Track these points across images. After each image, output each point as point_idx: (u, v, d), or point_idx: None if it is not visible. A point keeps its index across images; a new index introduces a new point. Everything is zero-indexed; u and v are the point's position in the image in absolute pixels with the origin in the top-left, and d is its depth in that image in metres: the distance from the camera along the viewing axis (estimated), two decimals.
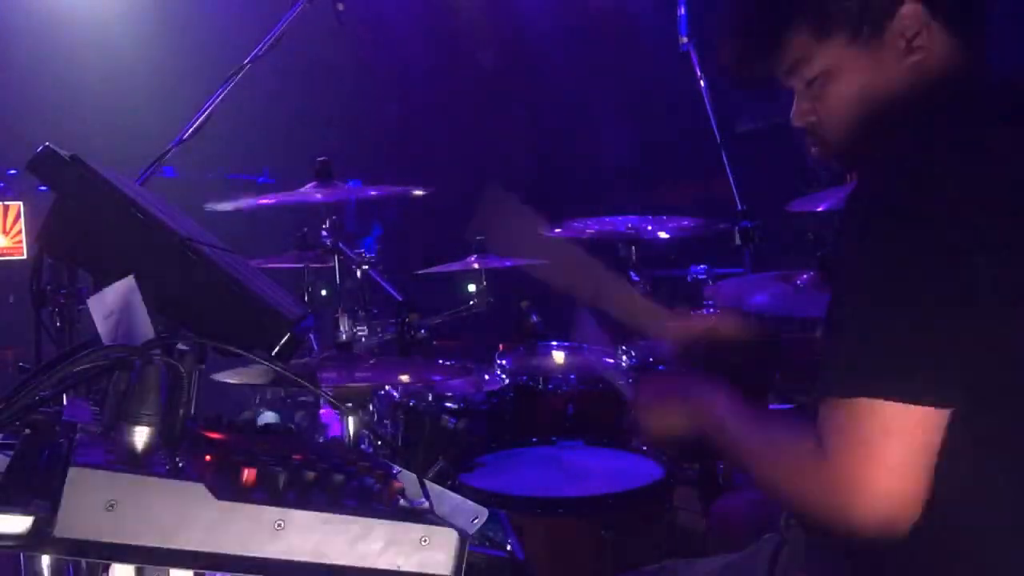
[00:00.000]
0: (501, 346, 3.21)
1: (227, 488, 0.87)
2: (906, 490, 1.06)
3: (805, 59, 1.28)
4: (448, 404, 2.80)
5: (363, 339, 2.73)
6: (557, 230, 3.38)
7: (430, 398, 2.81)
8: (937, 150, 1.12)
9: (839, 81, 1.27)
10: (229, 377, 2.22)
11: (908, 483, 1.06)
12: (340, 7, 2.63)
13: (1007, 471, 1.10)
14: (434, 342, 3.23)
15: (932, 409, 1.06)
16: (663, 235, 3.27)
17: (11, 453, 1.00)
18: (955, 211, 1.07)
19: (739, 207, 3.17)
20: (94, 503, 0.81)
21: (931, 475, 1.07)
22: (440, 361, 2.91)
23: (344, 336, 2.52)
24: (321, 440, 2.92)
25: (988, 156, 1.12)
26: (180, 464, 0.87)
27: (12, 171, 4.88)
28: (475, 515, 0.97)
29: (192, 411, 0.96)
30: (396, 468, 1.06)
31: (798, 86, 1.32)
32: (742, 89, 1.39)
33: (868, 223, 1.13)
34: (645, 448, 2.49)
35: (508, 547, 1.54)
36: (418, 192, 3.05)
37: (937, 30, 1.24)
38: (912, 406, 1.05)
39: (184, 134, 2.44)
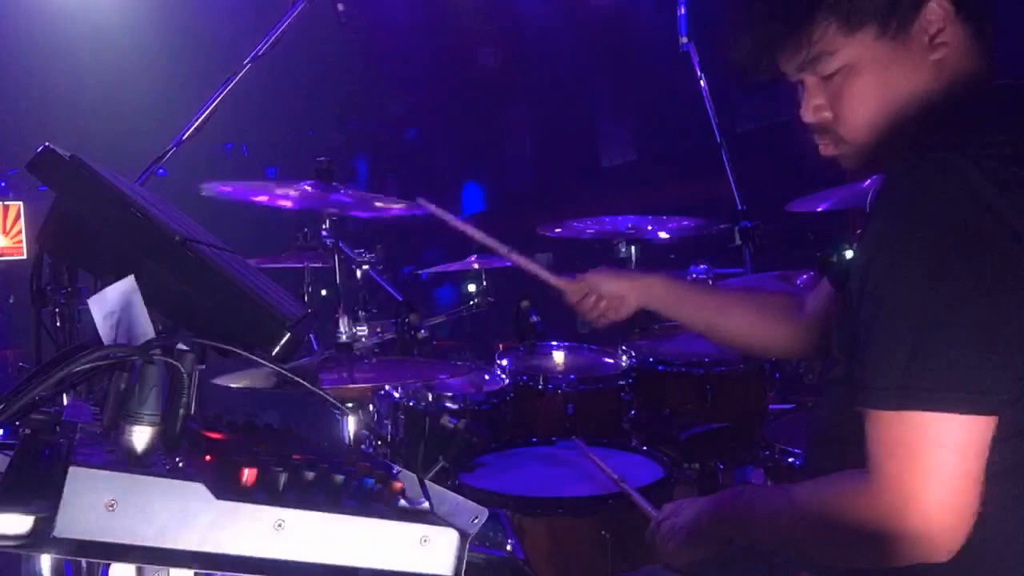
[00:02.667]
0: (501, 346, 3.21)
1: (227, 488, 0.87)
2: (960, 502, 1.04)
3: (829, 52, 1.24)
4: (448, 404, 2.79)
5: (363, 339, 2.73)
6: (557, 230, 3.39)
7: (430, 398, 2.81)
8: (974, 152, 1.09)
9: (861, 76, 1.24)
10: (230, 381, 2.22)
11: (962, 495, 1.03)
12: (340, 7, 2.63)
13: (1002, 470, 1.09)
14: (434, 342, 3.23)
15: (983, 419, 1.04)
16: (663, 235, 3.27)
17: (11, 453, 1.00)
18: (997, 215, 1.05)
19: (739, 207, 3.17)
20: (94, 503, 0.81)
21: (981, 486, 1.05)
22: (441, 361, 2.91)
23: (344, 336, 2.52)
24: (321, 440, 2.91)
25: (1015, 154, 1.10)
26: (180, 464, 0.87)
27: (12, 171, 4.88)
28: (475, 515, 0.97)
29: (192, 411, 0.96)
30: (396, 468, 1.06)
31: (813, 80, 1.29)
32: (748, 84, 1.35)
33: (906, 230, 1.09)
34: (645, 448, 2.49)
35: (508, 547, 1.54)
36: (424, 203, 3.05)
37: (959, 28, 1.23)
38: (964, 416, 1.03)
39: (184, 134, 2.44)
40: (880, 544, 1.07)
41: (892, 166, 1.17)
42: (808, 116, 1.31)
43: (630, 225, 3.20)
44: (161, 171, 2.35)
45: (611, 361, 3.03)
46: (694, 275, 3.18)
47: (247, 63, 2.50)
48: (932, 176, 1.10)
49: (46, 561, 0.98)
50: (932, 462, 1.03)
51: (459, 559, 0.91)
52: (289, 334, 1.10)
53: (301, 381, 1.04)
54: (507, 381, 2.91)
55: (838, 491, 1.15)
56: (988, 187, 1.06)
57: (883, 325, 1.10)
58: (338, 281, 2.88)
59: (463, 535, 0.91)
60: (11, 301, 4.87)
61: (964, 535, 1.04)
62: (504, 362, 3.02)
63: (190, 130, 2.45)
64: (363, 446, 2.61)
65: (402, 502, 0.94)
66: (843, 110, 1.27)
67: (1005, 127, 1.14)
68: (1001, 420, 1.06)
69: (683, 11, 3.24)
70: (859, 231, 1.32)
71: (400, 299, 3.44)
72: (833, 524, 1.15)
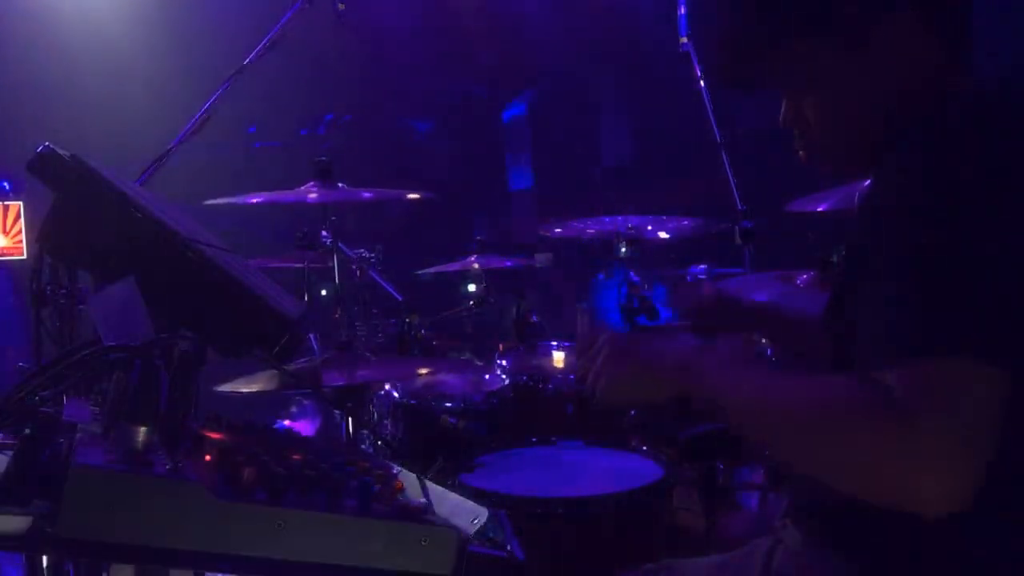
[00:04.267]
0: (501, 346, 3.21)
1: (227, 488, 0.87)
2: (981, 457, 0.97)
3: (799, 65, 1.29)
4: (448, 404, 2.80)
5: (363, 339, 2.73)
6: (557, 230, 3.39)
7: (430, 398, 2.81)
8: (953, 139, 1.11)
9: (830, 86, 1.28)
10: (231, 387, 2.22)
11: (984, 451, 0.97)
12: (340, 7, 2.63)
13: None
14: (434, 342, 3.23)
15: (1007, 373, 0.98)
16: (663, 235, 3.27)
17: (11, 453, 1.00)
18: (990, 181, 1.05)
19: (739, 207, 3.17)
20: (94, 503, 0.81)
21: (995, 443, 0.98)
22: (441, 361, 2.91)
23: (344, 336, 2.52)
24: (321, 440, 2.92)
25: (995, 148, 1.11)
26: (180, 464, 0.87)
27: (12, 171, 4.88)
28: (475, 515, 0.97)
29: (192, 411, 0.96)
30: (396, 468, 1.06)
31: (790, 90, 1.34)
32: (736, 91, 1.41)
33: (908, 199, 1.09)
34: (645, 448, 2.49)
35: (508, 547, 1.53)
36: (413, 196, 3.05)
37: (928, 35, 1.25)
38: (994, 369, 0.98)
39: (184, 134, 2.44)
40: (887, 483, 1.01)
41: (872, 171, 1.21)
42: (784, 123, 1.36)
43: (630, 225, 3.20)
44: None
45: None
46: (694, 275, 3.19)
47: (247, 63, 2.49)
48: (920, 158, 1.11)
49: (46, 561, 0.98)
50: (963, 411, 0.97)
51: (459, 559, 0.91)
52: (289, 334, 1.10)
53: (301, 381, 1.04)
54: (507, 381, 2.91)
55: (852, 419, 1.05)
56: (974, 161, 1.07)
57: (896, 285, 1.06)
58: (338, 281, 2.89)
59: (463, 535, 0.91)
60: (11, 301, 4.87)
61: (972, 492, 0.98)
62: (504, 362, 3.02)
63: (190, 130, 2.44)
64: (363, 446, 2.61)
65: (402, 502, 0.94)
66: (814, 119, 1.31)
67: (976, 125, 1.15)
68: None
69: (683, 11, 3.25)
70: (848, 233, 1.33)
71: (400, 299, 3.45)
72: (838, 452, 1.07)
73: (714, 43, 1.37)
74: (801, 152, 1.37)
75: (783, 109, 1.36)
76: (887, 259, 1.09)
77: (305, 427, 3.63)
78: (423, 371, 2.61)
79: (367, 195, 2.76)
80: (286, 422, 3.65)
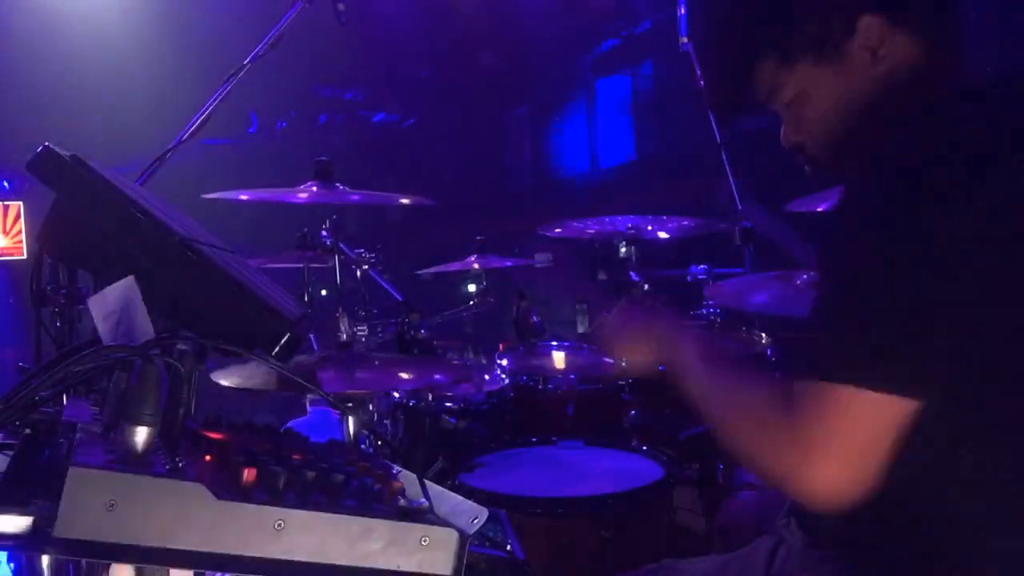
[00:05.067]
0: (501, 346, 3.21)
1: (227, 488, 0.87)
2: (854, 475, 1.09)
3: (777, 86, 1.32)
4: (448, 404, 2.80)
5: (363, 339, 2.73)
6: (557, 230, 3.39)
7: (430, 398, 2.81)
8: (920, 147, 1.13)
9: (812, 101, 1.30)
10: (228, 380, 2.21)
11: (857, 469, 1.09)
12: (340, 7, 2.63)
13: (988, 465, 1.11)
14: (434, 342, 3.23)
15: (896, 398, 1.08)
16: (663, 235, 3.27)
17: (11, 453, 1.00)
18: (942, 206, 1.07)
19: (739, 207, 3.17)
20: (94, 503, 0.81)
21: (884, 462, 1.09)
22: (441, 361, 2.91)
23: (344, 336, 2.51)
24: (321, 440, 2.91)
25: (969, 155, 1.11)
26: (180, 464, 0.87)
27: (12, 171, 4.88)
28: (475, 515, 0.97)
29: (192, 411, 0.96)
30: (396, 468, 1.06)
31: (780, 109, 1.36)
32: (736, 114, 1.45)
33: (857, 217, 1.15)
34: (645, 448, 2.49)
35: (508, 547, 1.54)
36: (405, 201, 3.05)
37: (901, 37, 1.25)
38: (874, 393, 1.07)
39: (184, 134, 2.44)
40: (775, 477, 1.17)
41: (848, 172, 1.26)
42: (785, 141, 1.39)
43: (630, 225, 3.20)
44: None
45: (611, 361, 3.03)
46: (694, 275, 3.19)
47: (247, 63, 2.49)
48: (882, 172, 1.14)
49: (46, 561, 0.98)
50: (835, 430, 1.09)
51: (459, 559, 0.91)
52: (289, 333, 1.10)
53: (302, 381, 1.04)
54: (507, 381, 2.91)
55: (758, 414, 1.20)
56: (937, 181, 1.09)
57: (820, 301, 1.17)
58: (338, 281, 2.88)
59: (463, 535, 0.91)
60: (11, 301, 4.87)
61: (849, 504, 1.10)
62: (504, 362, 3.02)
63: (190, 130, 2.44)
64: (363, 446, 2.61)
65: (402, 502, 0.94)
66: (807, 132, 1.34)
67: (954, 125, 1.16)
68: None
69: (683, 11, 3.25)
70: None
71: (400, 299, 3.44)
72: (744, 439, 1.23)
73: (704, 75, 1.43)
74: (807, 167, 1.40)
75: (782, 128, 1.38)
76: (823, 277, 1.20)
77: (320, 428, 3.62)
78: (407, 376, 2.60)
79: (356, 197, 2.75)
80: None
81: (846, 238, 1.16)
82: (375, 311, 3.09)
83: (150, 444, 0.88)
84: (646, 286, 3.02)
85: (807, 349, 1.15)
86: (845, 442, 1.09)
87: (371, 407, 2.98)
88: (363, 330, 2.73)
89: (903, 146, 1.16)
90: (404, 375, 2.55)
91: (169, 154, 2.40)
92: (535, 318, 3.07)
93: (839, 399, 1.09)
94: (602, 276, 3.17)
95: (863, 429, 1.09)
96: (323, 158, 2.70)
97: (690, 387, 1.36)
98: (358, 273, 3.07)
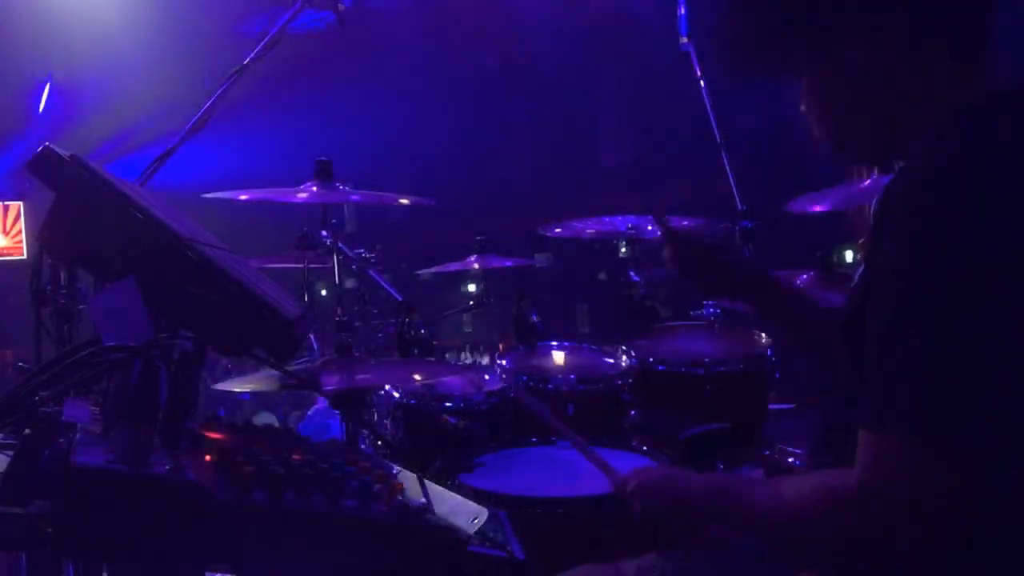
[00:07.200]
0: (501, 346, 3.21)
1: (227, 488, 0.87)
2: (928, 518, 1.07)
3: (801, 68, 1.31)
4: (448, 404, 2.79)
5: (363, 339, 2.73)
6: (557, 230, 3.39)
7: (430, 398, 2.81)
8: (962, 151, 1.11)
9: (828, 89, 1.30)
10: (231, 385, 2.22)
11: (928, 513, 1.06)
12: (341, 7, 2.63)
13: None
14: (434, 342, 3.23)
15: (967, 450, 1.05)
16: None
17: (11, 453, 1.00)
18: (991, 231, 1.05)
19: (739, 207, 3.17)
20: (94, 503, 0.81)
21: (954, 514, 1.07)
22: (441, 361, 2.91)
23: (344, 337, 2.51)
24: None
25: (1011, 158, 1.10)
26: (180, 464, 0.87)
27: (12, 171, 4.88)
28: (475, 515, 0.97)
29: (192, 411, 0.96)
30: (396, 468, 1.06)
31: (803, 78, 1.34)
32: (741, 80, 1.43)
33: (905, 244, 1.11)
34: (645, 448, 2.49)
35: (508, 547, 1.53)
36: (404, 201, 3.05)
37: (927, 41, 1.24)
38: (946, 444, 1.05)
39: (184, 134, 2.44)
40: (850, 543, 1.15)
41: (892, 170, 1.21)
42: (805, 111, 1.38)
43: (630, 225, 3.20)
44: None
45: (611, 361, 3.03)
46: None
47: (247, 63, 2.49)
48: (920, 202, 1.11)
49: (46, 561, 0.98)
50: (909, 486, 1.07)
51: (459, 559, 0.91)
52: (289, 334, 1.10)
53: (301, 381, 1.04)
54: (507, 381, 2.90)
55: (826, 489, 1.18)
56: (987, 193, 1.06)
57: (876, 340, 1.12)
58: (338, 281, 2.88)
59: (463, 535, 0.91)
60: (11, 301, 4.87)
61: (919, 549, 1.09)
62: (504, 362, 3.01)
63: (190, 130, 2.44)
64: (363, 446, 2.61)
65: (402, 502, 0.94)
66: (817, 115, 1.34)
67: (996, 127, 1.15)
68: None
69: (683, 11, 3.25)
70: (862, 241, 1.35)
71: (400, 299, 3.45)
72: (812, 520, 1.20)
73: (721, 34, 1.39)
74: (820, 141, 1.39)
75: (811, 122, 1.36)
76: (874, 320, 1.14)
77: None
78: (417, 377, 2.60)
79: (355, 197, 2.75)
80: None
81: (902, 268, 1.10)
82: (375, 311, 3.10)
83: (150, 444, 0.88)
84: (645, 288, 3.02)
85: (866, 392, 1.12)
86: (921, 496, 1.07)
87: (371, 407, 2.98)
88: (363, 330, 2.73)
89: (946, 147, 1.14)
90: (404, 375, 2.56)
91: (170, 154, 2.40)
92: (535, 318, 3.07)
93: (909, 451, 1.07)
94: (602, 276, 3.17)
95: (938, 481, 1.06)
96: (322, 158, 2.71)
97: (736, 522, 1.40)
98: (358, 273, 3.07)
